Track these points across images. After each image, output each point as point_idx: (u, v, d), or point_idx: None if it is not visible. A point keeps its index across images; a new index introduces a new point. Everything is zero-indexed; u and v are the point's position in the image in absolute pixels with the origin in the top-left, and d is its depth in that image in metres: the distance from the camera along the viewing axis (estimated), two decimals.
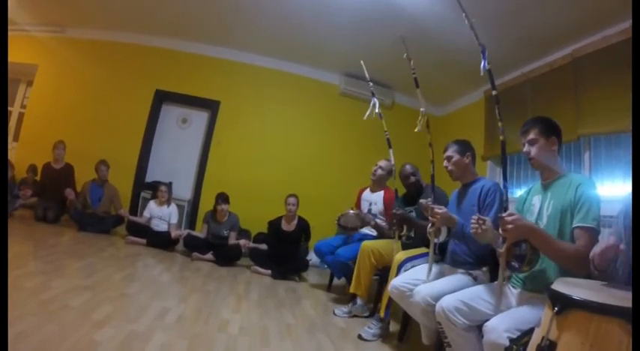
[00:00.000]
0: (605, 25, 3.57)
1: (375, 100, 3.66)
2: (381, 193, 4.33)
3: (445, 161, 2.84)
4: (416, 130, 2.82)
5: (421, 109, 2.85)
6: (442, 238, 2.70)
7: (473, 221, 2.08)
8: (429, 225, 2.65)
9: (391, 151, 3.63)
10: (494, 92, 2.13)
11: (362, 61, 3.86)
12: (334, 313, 3.59)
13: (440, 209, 2.57)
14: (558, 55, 4.15)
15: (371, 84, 3.82)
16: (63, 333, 2.08)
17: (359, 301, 3.64)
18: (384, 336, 3.06)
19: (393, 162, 3.63)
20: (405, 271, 2.99)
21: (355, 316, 3.57)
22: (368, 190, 4.50)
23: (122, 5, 5.45)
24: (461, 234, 2.56)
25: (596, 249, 1.54)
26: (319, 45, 5.67)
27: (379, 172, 4.31)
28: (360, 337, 3.00)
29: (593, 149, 3.84)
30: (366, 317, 3.54)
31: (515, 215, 1.84)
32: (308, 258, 5.22)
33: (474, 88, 5.57)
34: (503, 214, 1.86)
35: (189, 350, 2.26)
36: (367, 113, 3.62)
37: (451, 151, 2.83)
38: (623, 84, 3.01)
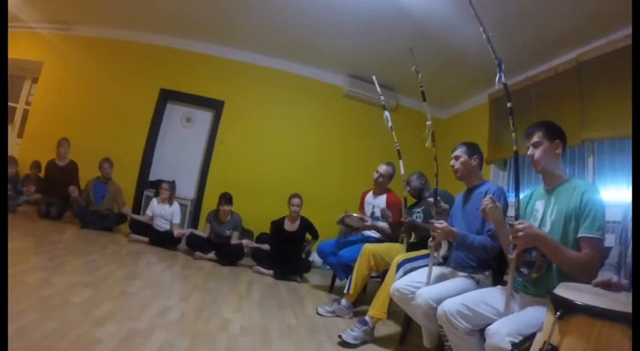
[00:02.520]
0: (611, 30, 3.56)
1: (387, 113, 3.63)
2: (384, 196, 4.34)
3: (452, 160, 2.86)
4: (426, 145, 2.84)
5: (427, 123, 2.85)
6: (443, 252, 2.71)
7: (486, 199, 2.14)
8: (430, 239, 2.65)
9: (401, 162, 3.59)
10: (509, 104, 2.13)
11: (374, 77, 3.85)
12: (317, 312, 3.56)
13: (440, 224, 2.57)
14: (563, 60, 4.14)
15: (382, 97, 3.81)
16: (64, 329, 2.09)
17: (343, 301, 3.62)
18: (367, 341, 2.94)
19: (402, 172, 3.61)
20: (404, 271, 2.99)
21: (338, 316, 3.54)
22: (371, 193, 4.51)
23: (128, 3, 5.46)
24: (462, 244, 2.55)
25: (599, 282, 1.54)
26: (324, 46, 5.67)
27: (380, 179, 4.33)
28: (340, 338, 2.84)
29: (597, 154, 3.83)
30: (350, 319, 3.52)
31: (525, 223, 1.85)
32: (310, 258, 5.21)
33: (479, 90, 5.56)
34: (515, 222, 1.87)
35: (189, 349, 2.26)
36: (387, 125, 3.58)
37: (459, 151, 2.85)
38: (627, 89, 2.97)
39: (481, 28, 2.22)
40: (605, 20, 3.50)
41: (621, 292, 1.45)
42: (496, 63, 2.15)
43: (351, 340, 2.84)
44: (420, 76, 2.95)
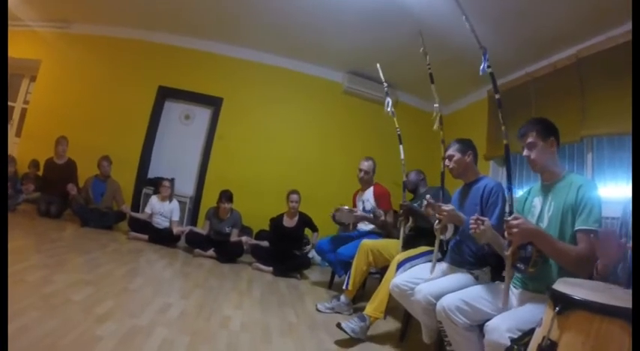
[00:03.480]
0: (610, 26, 3.56)
1: (389, 99, 3.66)
2: (371, 189, 4.42)
3: (447, 160, 2.86)
4: (434, 128, 2.85)
5: (435, 105, 2.87)
6: (448, 235, 2.70)
7: (472, 221, 2.09)
8: (436, 222, 2.65)
9: (401, 147, 3.63)
10: (497, 96, 2.14)
11: (378, 64, 3.84)
12: (317, 309, 3.56)
13: (447, 207, 2.57)
14: (563, 56, 4.13)
15: (385, 84, 3.82)
16: (65, 327, 2.10)
17: (342, 298, 3.62)
18: (362, 336, 2.91)
19: (402, 156, 3.63)
20: (404, 271, 2.99)
21: (338, 312, 3.54)
22: (360, 191, 4.59)
23: (126, 1, 5.45)
24: (466, 232, 2.56)
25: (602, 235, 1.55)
26: (323, 43, 5.66)
27: (365, 176, 4.42)
28: (338, 325, 2.85)
29: (597, 151, 3.84)
30: (349, 315, 3.52)
31: (520, 219, 1.84)
32: (310, 255, 5.21)
33: (478, 87, 5.56)
34: (509, 218, 1.86)
35: (190, 346, 2.27)
36: (387, 109, 3.62)
37: (452, 150, 2.84)
38: (627, 85, 2.97)
39: (463, 17, 2.23)
40: (604, 16, 3.50)
41: (620, 288, 1.46)
42: (481, 52, 2.14)
43: (348, 331, 2.83)
44: (428, 57, 2.97)
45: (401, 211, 3.49)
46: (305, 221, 5.19)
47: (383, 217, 3.88)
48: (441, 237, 2.68)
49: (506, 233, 1.88)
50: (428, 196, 2.80)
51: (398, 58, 5.06)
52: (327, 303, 3.64)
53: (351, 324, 2.89)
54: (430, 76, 2.95)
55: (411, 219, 3.43)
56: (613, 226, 1.80)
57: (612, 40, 3.52)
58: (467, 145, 2.85)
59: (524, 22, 3.91)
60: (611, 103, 3.45)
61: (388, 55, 5.30)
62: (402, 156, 3.64)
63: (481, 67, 2.14)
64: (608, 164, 3.71)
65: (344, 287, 3.67)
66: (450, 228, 2.69)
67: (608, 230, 1.55)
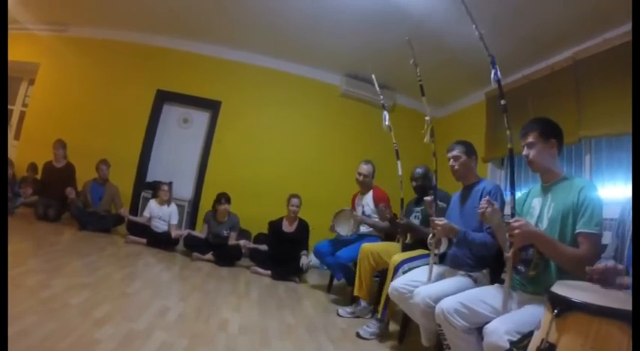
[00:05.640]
0: (607, 28, 3.56)
1: (386, 113, 3.68)
2: (370, 193, 4.40)
3: (452, 160, 2.85)
4: (425, 140, 2.84)
5: (426, 118, 2.86)
6: (442, 248, 2.72)
7: (483, 201, 2.12)
8: (430, 236, 2.66)
9: (399, 163, 3.65)
10: (502, 102, 2.14)
11: (373, 75, 3.86)
12: (338, 314, 3.61)
13: (440, 221, 2.58)
14: (559, 58, 4.14)
15: (382, 97, 3.85)
16: (63, 331, 2.09)
17: (362, 302, 3.65)
18: (382, 336, 3.09)
19: (400, 173, 3.66)
20: (403, 272, 3.01)
21: (358, 316, 3.58)
22: (359, 194, 4.56)
23: (124, 4, 5.45)
24: (463, 240, 2.56)
25: (595, 268, 1.54)
26: (321, 46, 5.67)
27: (362, 179, 4.40)
28: (358, 334, 3.05)
29: (595, 152, 3.84)
30: (369, 318, 3.54)
31: (522, 221, 1.85)
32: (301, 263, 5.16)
33: (475, 89, 5.56)
34: (511, 220, 1.87)
35: (188, 349, 2.26)
36: (384, 124, 3.63)
37: (458, 151, 2.84)
38: (624, 86, 3.00)
39: (474, 26, 2.23)
40: (601, 18, 3.51)
41: (619, 288, 1.46)
42: (489, 60, 2.15)
43: (367, 336, 3.06)
44: (418, 69, 2.95)
45: (399, 229, 3.55)
46: (304, 229, 5.18)
47: (389, 215, 3.86)
48: (435, 251, 2.69)
49: (507, 235, 1.89)
50: (426, 197, 2.81)
51: (395, 60, 5.05)
52: (349, 308, 3.69)
53: (369, 329, 3.08)
54: (421, 88, 2.94)
55: (409, 235, 3.48)
56: (611, 227, 1.80)
57: (609, 42, 3.53)
58: (471, 149, 2.87)
59: (521, 24, 3.91)
60: (609, 104, 3.45)
61: (386, 58, 5.32)
62: (400, 172, 3.66)
63: (491, 76, 2.13)
64: (607, 165, 3.72)
65: (355, 293, 3.70)
66: (444, 242, 2.70)
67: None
